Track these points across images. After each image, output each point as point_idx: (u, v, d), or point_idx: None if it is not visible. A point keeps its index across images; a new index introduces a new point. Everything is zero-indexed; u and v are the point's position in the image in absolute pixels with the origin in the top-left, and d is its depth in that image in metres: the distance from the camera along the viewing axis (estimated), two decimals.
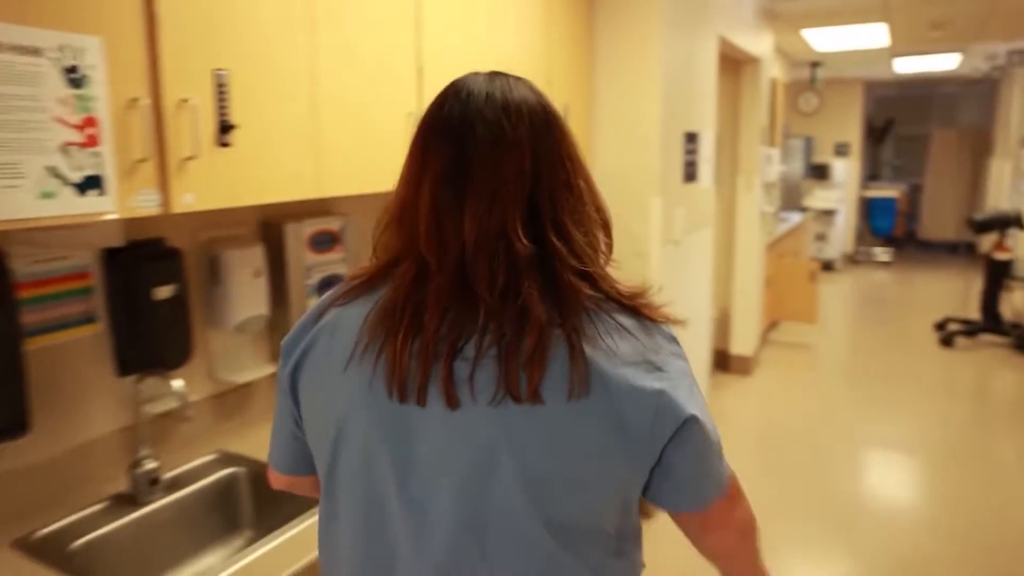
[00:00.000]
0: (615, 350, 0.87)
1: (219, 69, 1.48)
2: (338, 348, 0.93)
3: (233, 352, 2.05)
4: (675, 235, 3.39)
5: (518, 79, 0.95)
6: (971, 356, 6.02)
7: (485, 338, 0.86)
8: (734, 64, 4.91)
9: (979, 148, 11.10)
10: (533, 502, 0.87)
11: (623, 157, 3.14)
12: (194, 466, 1.81)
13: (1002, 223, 6.04)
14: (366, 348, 0.90)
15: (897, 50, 7.29)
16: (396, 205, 0.93)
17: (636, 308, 0.92)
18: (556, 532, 0.88)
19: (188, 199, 1.45)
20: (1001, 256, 6.07)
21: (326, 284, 2.19)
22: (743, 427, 4.61)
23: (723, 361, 5.46)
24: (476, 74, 0.94)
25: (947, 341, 6.24)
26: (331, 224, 2.20)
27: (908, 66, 8.62)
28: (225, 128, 1.47)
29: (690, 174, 3.58)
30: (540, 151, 0.89)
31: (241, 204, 1.57)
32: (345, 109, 1.83)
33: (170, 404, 1.79)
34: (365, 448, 0.91)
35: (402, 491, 0.90)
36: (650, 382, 0.87)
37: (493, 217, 0.86)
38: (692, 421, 0.90)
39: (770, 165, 5.57)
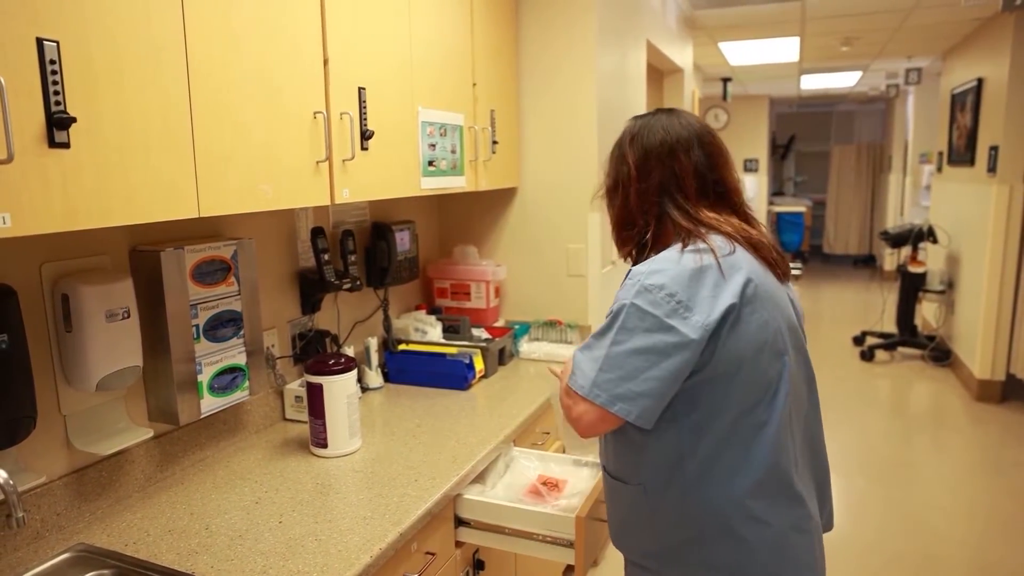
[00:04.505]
0: None
1: (45, 38, 1.06)
2: None
3: (97, 416, 1.62)
4: (615, 255, 3.10)
5: None
6: (891, 369, 6.01)
7: None
8: (658, 75, 4.73)
9: (876, 164, 11.47)
10: None
11: (557, 169, 2.84)
12: (44, 569, 1.40)
13: (915, 237, 6.08)
14: None
15: (805, 66, 7.36)
16: None
17: None
18: None
19: None
20: (915, 269, 6.11)
21: (218, 323, 1.78)
22: None
23: None
24: None
25: (867, 355, 6.23)
26: (220, 250, 1.79)
27: (813, 83, 8.76)
28: (59, 122, 1.06)
29: None
30: None
31: (81, 227, 1.14)
32: (228, 102, 1.44)
33: None
34: None
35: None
36: None
37: None
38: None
39: None
